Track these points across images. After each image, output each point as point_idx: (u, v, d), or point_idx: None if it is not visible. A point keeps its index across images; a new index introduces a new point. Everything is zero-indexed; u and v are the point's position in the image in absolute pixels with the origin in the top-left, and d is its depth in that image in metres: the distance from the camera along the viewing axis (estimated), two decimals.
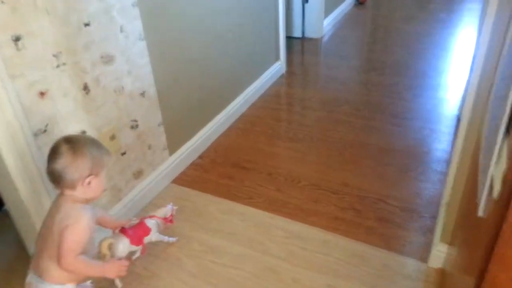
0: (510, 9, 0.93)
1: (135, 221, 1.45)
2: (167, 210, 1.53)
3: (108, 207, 1.61)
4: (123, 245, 1.35)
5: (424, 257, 1.49)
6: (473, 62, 2.11)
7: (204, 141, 2.18)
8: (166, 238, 1.56)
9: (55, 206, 1.08)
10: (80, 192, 1.04)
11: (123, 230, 1.38)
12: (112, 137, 1.57)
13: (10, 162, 1.21)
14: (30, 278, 1.10)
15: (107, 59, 1.48)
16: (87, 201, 1.08)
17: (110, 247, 1.32)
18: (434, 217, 1.65)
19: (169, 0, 1.74)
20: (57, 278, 1.07)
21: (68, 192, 1.05)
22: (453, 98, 2.58)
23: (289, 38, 3.77)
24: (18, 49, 1.17)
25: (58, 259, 1.02)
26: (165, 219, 1.52)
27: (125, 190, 1.69)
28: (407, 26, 4.02)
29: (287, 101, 2.72)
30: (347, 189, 1.86)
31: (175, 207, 1.57)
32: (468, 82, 2.19)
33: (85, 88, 1.42)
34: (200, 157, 2.13)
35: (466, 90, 2.30)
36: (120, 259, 1.31)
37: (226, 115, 2.36)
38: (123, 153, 1.64)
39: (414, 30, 3.87)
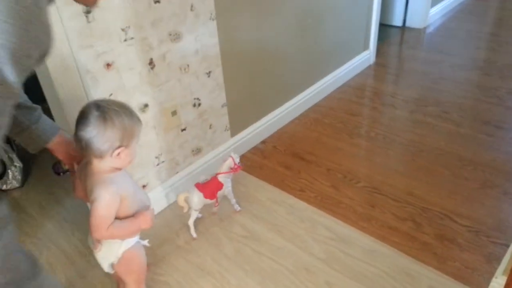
0: None
1: (208, 178, 1.55)
2: (229, 162, 1.56)
3: (165, 179, 1.70)
4: (198, 198, 1.50)
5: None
6: None
7: (269, 126, 2.15)
8: (234, 201, 1.66)
9: (83, 175, 1.05)
10: (107, 162, 0.98)
11: (197, 185, 1.51)
12: (174, 113, 1.63)
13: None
14: None
15: (175, 37, 1.53)
16: (114, 170, 1.01)
17: (186, 200, 1.50)
18: (507, 246, 1.41)
19: None
20: None
21: (95, 161, 0.99)
22: None
23: (386, 26, 3.51)
24: (88, 21, 1.27)
25: (91, 231, 1.01)
26: (232, 169, 1.57)
27: (183, 165, 1.76)
28: None
29: (368, 95, 2.55)
30: (410, 198, 1.69)
31: (235, 155, 1.58)
32: None
33: (151, 63, 1.49)
34: (263, 142, 2.11)
35: None
36: (194, 210, 1.51)
37: (297, 103, 2.30)
38: (183, 129, 1.70)
39: None
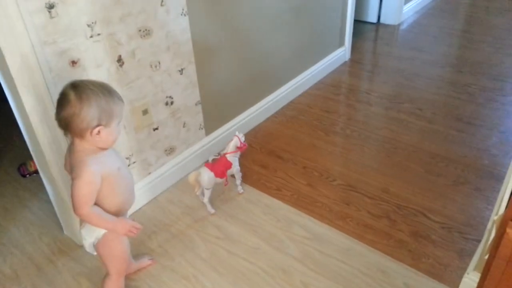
0: None
1: (216, 157, 1.63)
2: (235, 141, 1.63)
3: (136, 180, 1.65)
4: (209, 177, 1.55)
5: (454, 284, 1.30)
6: None
7: (245, 124, 2.12)
8: (239, 181, 1.72)
9: (69, 152, 1.07)
10: (89, 141, 1.00)
11: (207, 165, 1.57)
12: (145, 112, 1.58)
13: (37, 127, 1.27)
14: None
15: (145, 33, 1.48)
16: (98, 150, 1.03)
17: (197, 179, 1.55)
18: (478, 241, 1.43)
19: None
20: None
21: (77, 140, 1.01)
22: None
23: (361, 23, 3.53)
24: (51, 17, 1.20)
25: (72, 209, 1.03)
26: (239, 148, 1.63)
27: (155, 165, 1.71)
28: (502, 19, 3.53)
29: (343, 92, 2.55)
30: (386, 196, 1.69)
31: (240, 134, 1.65)
32: None
33: (119, 60, 1.43)
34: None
35: None
36: (207, 189, 1.57)
37: (273, 100, 2.27)
38: (156, 128, 1.65)
39: (508, 25, 3.39)
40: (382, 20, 3.57)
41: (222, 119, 2.01)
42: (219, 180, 1.59)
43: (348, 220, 1.59)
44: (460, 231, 1.51)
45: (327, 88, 2.56)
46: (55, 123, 1.24)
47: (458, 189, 1.71)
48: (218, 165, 1.59)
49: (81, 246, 1.50)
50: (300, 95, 2.47)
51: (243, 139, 1.65)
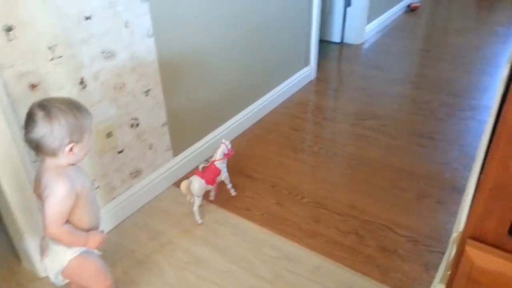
0: None
1: (205, 164, 1.68)
2: (222, 148, 1.70)
3: (100, 205, 1.60)
4: (200, 185, 1.59)
5: None
6: None
7: (214, 143, 2.11)
8: (230, 185, 1.77)
9: (40, 173, 1.05)
10: (62, 159, 1.00)
11: (198, 173, 1.62)
12: (109, 135, 1.55)
13: None
14: (45, 239, 1.10)
15: (108, 55, 1.46)
16: (69, 166, 1.03)
17: (189, 187, 1.58)
18: (443, 253, 1.47)
19: None
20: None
21: (49, 159, 1.00)
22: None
23: (326, 43, 3.63)
24: (9, 40, 1.17)
25: (43, 228, 1.01)
26: (226, 155, 1.70)
27: (120, 190, 1.67)
28: (459, 38, 3.73)
29: (310, 110, 2.60)
30: (353, 212, 1.72)
31: (227, 142, 1.72)
32: None
33: (82, 82, 1.40)
34: (207, 161, 2.06)
35: None
36: (198, 197, 1.61)
37: (241, 119, 2.28)
38: (120, 151, 1.62)
39: (465, 44, 3.58)
40: (345, 39, 3.69)
41: (190, 140, 1.99)
42: (209, 187, 1.65)
43: (317, 237, 1.60)
44: (425, 244, 1.55)
45: (294, 106, 2.60)
46: (12, 149, 1.19)
47: (422, 202, 1.76)
48: (208, 173, 1.64)
49: (42, 278, 1.43)
50: (268, 114, 2.49)
51: (229, 146, 1.72)
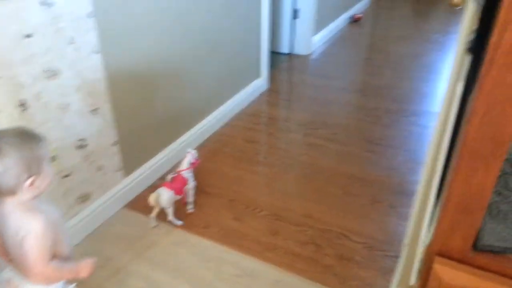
0: None
1: (172, 175, 1.69)
2: (189, 157, 1.75)
3: None
4: (168, 196, 1.61)
5: None
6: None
7: (168, 161, 2.07)
8: (192, 199, 1.79)
9: (1, 219, 0.95)
10: (23, 195, 0.91)
11: (166, 184, 1.63)
12: (53, 159, 1.46)
13: None
14: (9, 273, 1.00)
15: (51, 74, 1.39)
16: (33, 200, 0.95)
17: (157, 199, 1.60)
18: (397, 257, 1.53)
19: (132, 9, 1.65)
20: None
21: (9, 199, 0.92)
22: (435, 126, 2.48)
23: (275, 54, 3.69)
24: None
25: (28, 273, 0.94)
26: (192, 164, 1.76)
27: (67, 216, 1.57)
28: (400, 46, 3.93)
29: (264, 121, 2.62)
30: (310, 221, 1.74)
31: (193, 151, 1.79)
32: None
33: (23, 104, 1.32)
34: (161, 178, 2.02)
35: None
36: (167, 209, 1.63)
37: (195, 133, 2.25)
38: (66, 176, 1.53)
39: (406, 51, 3.79)
40: (294, 50, 3.77)
41: (143, 158, 1.94)
42: (178, 197, 1.67)
43: (276, 250, 1.60)
44: (380, 249, 1.60)
45: (248, 118, 2.61)
46: None
47: (374, 207, 1.83)
48: (176, 183, 1.66)
49: None
50: (222, 127, 2.48)
51: (196, 155, 1.78)
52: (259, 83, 2.90)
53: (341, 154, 2.21)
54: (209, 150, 2.26)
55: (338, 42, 4.10)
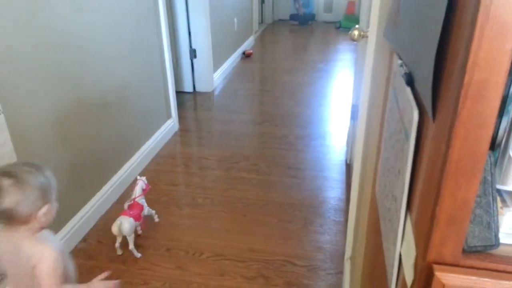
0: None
1: (128, 203, 1.75)
2: (140, 184, 1.82)
3: None
4: (129, 223, 1.65)
5: None
6: (353, 110, 2.25)
7: (88, 219, 1.90)
8: (153, 213, 1.91)
9: (11, 247, 0.98)
10: (33, 224, 0.96)
11: (125, 213, 1.68)
12: None
13: None
14: None
15: None
16: (39, 230, 1.00)
17: (120, 227, 1.63)
18: (341, 273, 1.62)
19: (27, 64, 1.52)
20: None
21: (21, 228, 0.96)
22: (339, 144, 2.73)
23: (180, 93, 3.70)
24: None
25: None
26: (144, 190, 1.83)
27: None
28: (291, 77, 4.26)
29: (183, 162, 2.58)
30: (254, 255, 1.75)
31: (143, 177, 1.85)
32: (350, 130, 2.35)
33: None
34: (84, 239, 1.84)
35: (349, 136, 2.44)
36: (129, 236, 1.67)
37: (113, 186, 2.11)
38: None
39: (297, 81, 4.12)
40: (197, 88, 3.83)
41: (61, 222, 1.75)
42: (138, 223, 1.72)
43: None
44: (323, 268, 1.68)
45: (166, 161, 2.55)
46: None
47: (308, 229, 1.92)
48: (134, 210, 1.71)
49: None
50: (141, 173, 2.37)
51: (146, 181, 1.85)
52: (171, 124, 2.86)
53: (266, 184, 2.29)
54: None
55: (236, 77, 4.29)
